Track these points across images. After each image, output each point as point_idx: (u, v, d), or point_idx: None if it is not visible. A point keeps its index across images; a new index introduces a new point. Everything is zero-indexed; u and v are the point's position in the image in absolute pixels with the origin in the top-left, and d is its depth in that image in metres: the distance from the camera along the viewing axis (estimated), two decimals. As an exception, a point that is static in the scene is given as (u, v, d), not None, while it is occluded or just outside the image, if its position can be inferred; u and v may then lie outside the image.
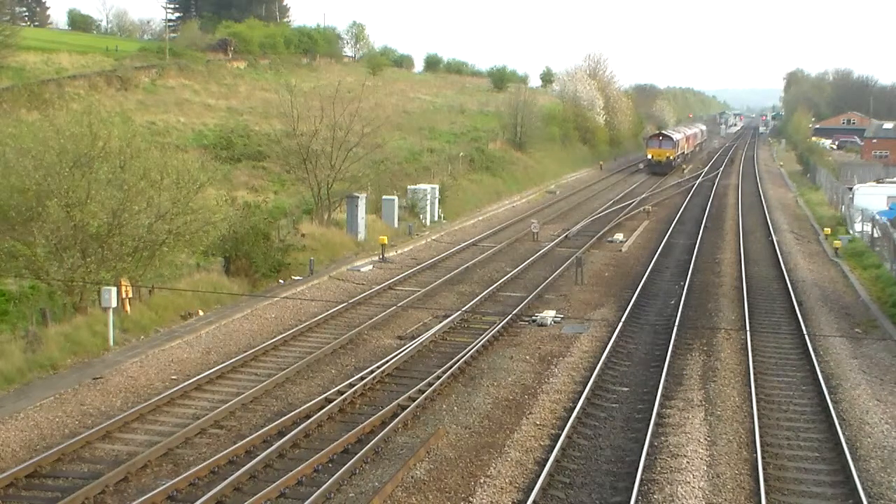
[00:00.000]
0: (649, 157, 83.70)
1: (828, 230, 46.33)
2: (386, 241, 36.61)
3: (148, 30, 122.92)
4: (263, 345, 23.33)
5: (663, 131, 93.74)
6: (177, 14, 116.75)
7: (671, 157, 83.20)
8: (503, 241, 40.87)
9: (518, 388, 20.74)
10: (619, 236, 43.12)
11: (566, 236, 42.86)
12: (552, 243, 40.73)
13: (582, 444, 17.75)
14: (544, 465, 16.20)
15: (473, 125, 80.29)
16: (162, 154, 27.58)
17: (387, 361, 22.00)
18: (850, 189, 56.82)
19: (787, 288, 31.87)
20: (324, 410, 18.55)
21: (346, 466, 15.79)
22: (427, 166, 57.11)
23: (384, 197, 43.69)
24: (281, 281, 30.79)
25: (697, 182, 73.26)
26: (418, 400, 19.25)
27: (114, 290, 22.95)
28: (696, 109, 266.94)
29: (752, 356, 23.25)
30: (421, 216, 45.19)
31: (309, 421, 17.95)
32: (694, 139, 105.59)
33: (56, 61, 66.14)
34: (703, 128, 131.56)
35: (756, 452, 17.10)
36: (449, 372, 21.18)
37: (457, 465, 16.42)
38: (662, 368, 21.90)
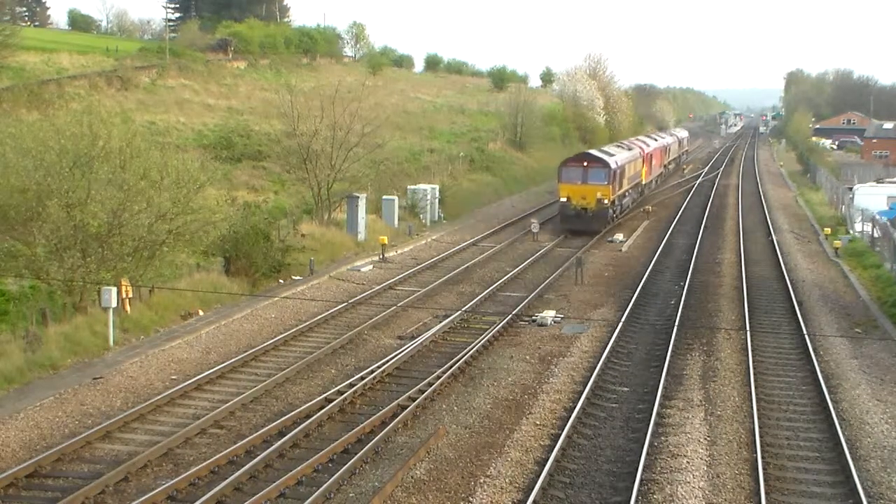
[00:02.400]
0: (564, 199, 43.66)
1: (828, 230, 46.30)
2: (386, 241, 36.61)
3: (148, 30, 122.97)
4: (263, 345, 23.33)
5: (593, 151, 49.61)
6: (177, 14, 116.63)
7: (606, 201, 43.30)
8: (503, 241, 40.86)
9: (518, 388, 20.74)
10: (620, 236, 43.12)
11: (566, 236, 42.85)
12: (552, 243, 40.72)
13: (582, 444, 17.74)
14: (544, 465, 16.20)
15: (473, 125, 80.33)
16: (162, 154, 27.60)
17: (387, 361, 22.00)
18: (850, 189, 56.82)
19: (787, 288, 31.85)
20: (324, 410, 18.56)
21: (346, 466, 15.79)
22: (427, 166, 57.15)
23: (384, 197, 43.70)
24: (281, 281, 30.79)
25: (698, 182, 73.22)
26: (418, 400, 19.25)
27: (114, 290, 22.95)
28: (697, 109, 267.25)
29: (752, 356, 23.24)
30: (421, 216, 45.19)
31: (309, 421, 17.96)
32: (664, 155, 70.11)
33: (56, 61, 66.17)
34: (684, 135, 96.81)
35: (756, 452, 17.10)
36: (449, 372, 21.18)
37: (457, 465, 16.42)
38: (662, 368, 21.89)
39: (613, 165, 44.27)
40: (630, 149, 53.72)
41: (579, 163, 43.94)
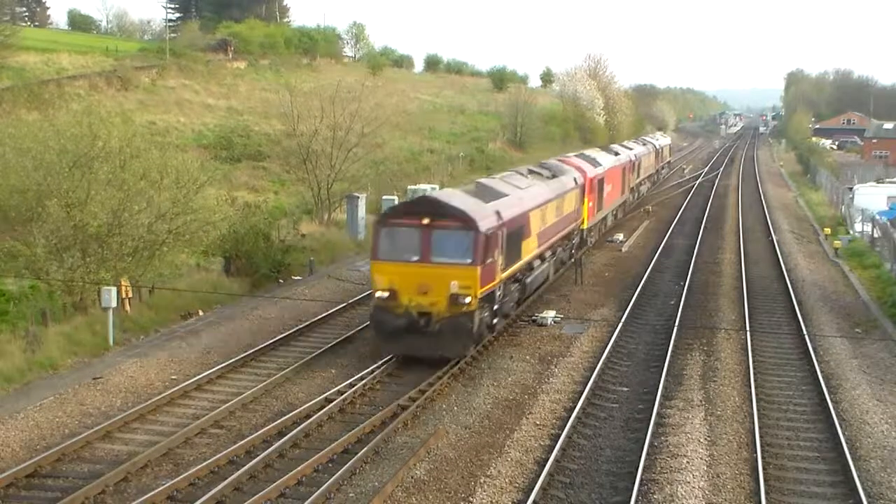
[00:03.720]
0: (384, 293, 21.15)
1: (828, 230, 46.36)
2: (386, 241, 36.48)
3: (148, 30, 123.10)
4: (263, 345, 23.32)
5: (444, 196, 23.13)
6: (177, 14, 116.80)
7: (469, 298, 20.79)
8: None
9: (518, 388, 20.74)
10: (620, 236, 43.09)
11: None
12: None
13: (582, 444, 17.74)
14: (544, 465, 16.20)
15: (473, 125, 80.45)
16: (162, 154, 27.64)
17: (387, 361, 21.98)
18: (850, 189, 56.87)
19: (787, 288, 31.86)
20: (324, 410, 18.55)
21: (346, 466, 15.79)
22: (427, 166, 57.23)
23: (384, 197, 43.70)
24: (281, 281, 30.79)
25: (697, 182, 73.25)
26: (419, 400, 19.24)
27: (114, 290, 22.96)
28: (697, 109, 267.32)
29: (752, 356, 23.24)
30: (421, 216, 45.09)
31: (309, 421, 17.95)
32: (629, 174, 50.38)
33: (56, 61, 66.19)
34: (663, 142, 76.73)
35: (756, 452, 17.10)
36: (449, 372, 21.17)
37: (457, 465, 16.42)
38: (662, 368, 21.89)
39: (487, 224, 21.56)
40: (553, 176, 31.27)
41: (415, 218, 21.42)
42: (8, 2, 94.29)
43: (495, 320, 23.09)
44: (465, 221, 21.19)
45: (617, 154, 47.82)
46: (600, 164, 40.31)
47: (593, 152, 44.57)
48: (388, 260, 21.47)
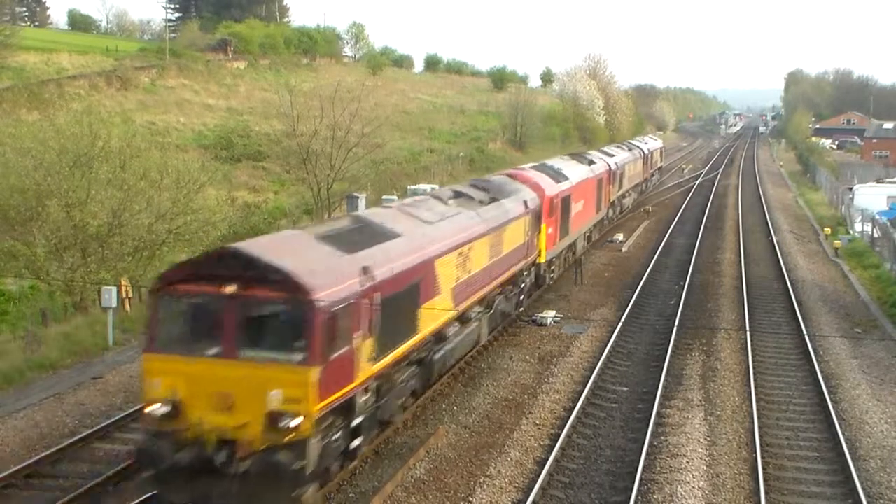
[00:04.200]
0: (161, 408, 12.81)
1: (828, 230, 46.38)
2: (386, 241, 36.45)
3: (148, 30, 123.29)
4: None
5: (247, 245, 13.72)
6: (177, 14, 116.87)
7: (300, 419, 12.56)
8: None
9: (518, 388, 20.74)
10: (619, 236, 43.07)
11: None
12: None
13: (582, 444, 17.75)
14: (544, 465, 16.20)
15: (473, 125, 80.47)
16: (162, 154, 27.75)
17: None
18: (850, 189, 56.89)
19: (787, 288, 31.86)
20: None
21: (345, 467, 15.76)
22: (427, 166, 57.24)
23: (384, 197, 43.74)
24: (281, 281, 30.76)
25: (697, 182, 73.24)
26: (418, 400, 19.22)
27: (114, 290, 22.96)
28: (696, 109, 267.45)
29: (752, 356, 23.24)
30: (421, 216, 45.09)
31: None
32: (608, 186, 42.20)
33: (56, 61, 66.26)
34: (654, 146, 68.92)
35: (756, 452, 17.10)
36: (449, 372, 21.16)
37: (456, 465, 16.41)
38: (662, 368, 21.89)
39: (338, 292, 13.44)
40: (492, 199, 23.56)
41: (212, 284, 13.00)
42: (8, 2, 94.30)
43: (357, 441, 14.88)
44: (293, 290, 12.91)
45: (591, 163, 39.13)
46: (566, 178, 31.98)
47: (559, 162, 35.49)
48: (167, 353, 13.20)
